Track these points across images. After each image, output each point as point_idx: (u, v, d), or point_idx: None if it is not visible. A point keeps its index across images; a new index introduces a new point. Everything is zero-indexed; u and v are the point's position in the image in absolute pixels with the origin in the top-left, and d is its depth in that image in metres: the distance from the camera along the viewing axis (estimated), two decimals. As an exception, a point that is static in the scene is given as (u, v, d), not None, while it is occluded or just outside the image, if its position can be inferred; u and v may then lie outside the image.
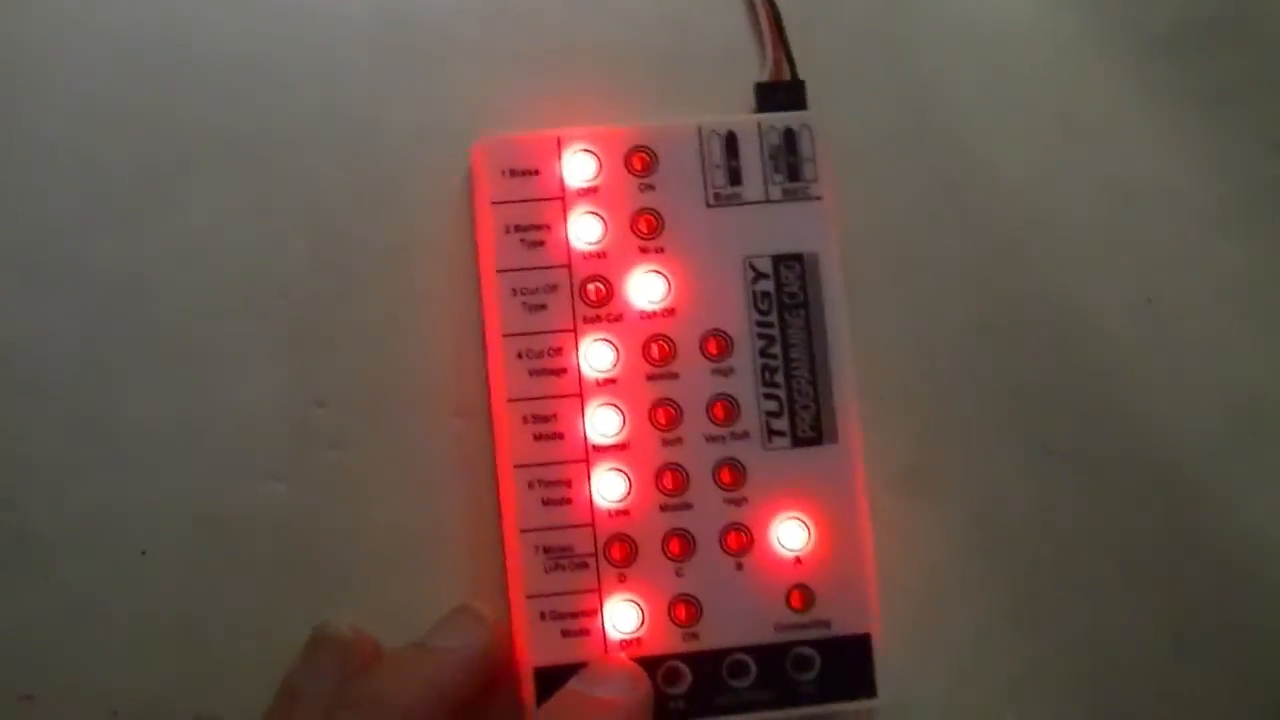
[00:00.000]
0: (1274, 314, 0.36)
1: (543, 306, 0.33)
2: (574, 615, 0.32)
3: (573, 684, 0.31)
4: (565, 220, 0.33)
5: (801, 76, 0.34)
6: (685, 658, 0.32)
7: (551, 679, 0.31)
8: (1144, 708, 0.35)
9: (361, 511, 0.33)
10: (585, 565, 0.32)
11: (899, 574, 0.33)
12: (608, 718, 0.30)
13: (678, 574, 0.32)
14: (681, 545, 0.32)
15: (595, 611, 0.32)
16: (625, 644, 0.32)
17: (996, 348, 0.35)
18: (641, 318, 0.33)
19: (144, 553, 0.33)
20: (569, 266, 0.33)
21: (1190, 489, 0.35)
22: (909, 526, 0.34)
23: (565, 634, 0.32)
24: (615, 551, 0.32)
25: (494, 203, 0.33)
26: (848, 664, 0.32)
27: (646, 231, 0.33)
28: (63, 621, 0.33)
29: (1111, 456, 0.35)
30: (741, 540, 0.32)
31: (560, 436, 0.32)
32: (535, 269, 0.33)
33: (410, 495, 0.34)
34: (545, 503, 0.32)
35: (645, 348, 0.33)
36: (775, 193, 0.33)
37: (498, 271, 0.32)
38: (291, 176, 0.34)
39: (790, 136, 0.33)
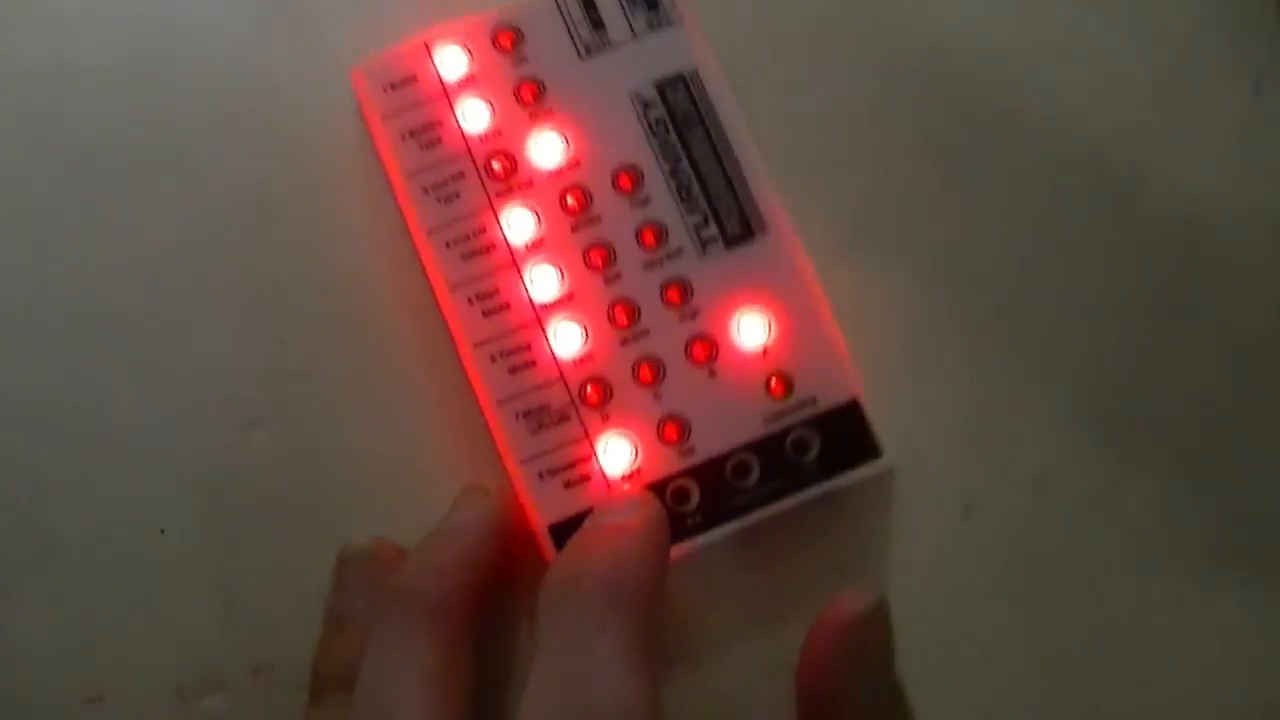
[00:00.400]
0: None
1: (456, 195, 0.34)
2: (570, 466, 0.32)
3: (587, 523, 0.31)
4: (453, 112, 0.34)
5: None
6: (687, 473, 0.32)
7: (566, 532, 0.32)
8: (1146, 394, 0.35)
9: (346, 433, 0.34)
10: (567, 417, 0.33)
11: (866, 334, 0.34)
12: (625, 540, 0.30)
13: (656, 398, 0.33)
14: (651, 371, 0.33)
15: (589, 457, 0.32)
16: (627, 478, 0.32)
17: (899, 96, 0.36)
18: (550, 177, 0.34)
19: (163, 532, 0.34)
20: (469, 153, 0.34)
21: (1119, 169, 0.35)
22: (859, 287, 0.35)
23: (568, 485, 0.32)
24: (591, 396, 0.33)
25: (385, 118, 0.34)
26: (845, 433, 0.32)
27: (531, 99, 0.34)
28: (106, 618, 0.34)
29: (1035, 161, 0.35)
30: (706, 349, 0.33)
31: (507, 306, 0.33)
32: (438, 164, 0.34)
33: (386, 403, 0.34)
34: (512, 371, 0.33)
35: (562, 202, 0.34)
36: (639, 27, 0.34)
37: (405, 177, 0.34)
38: (198, 148, 0.36)
39: (637, -28, 0.35)
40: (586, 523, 0.31)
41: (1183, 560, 0.34)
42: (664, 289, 0.33)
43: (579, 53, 0.34)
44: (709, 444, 0.32)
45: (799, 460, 0.32)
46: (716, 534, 0.32)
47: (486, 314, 0.33)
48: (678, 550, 0.32)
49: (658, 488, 0.32)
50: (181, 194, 0.36)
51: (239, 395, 0.35)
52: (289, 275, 0.35)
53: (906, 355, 0.35)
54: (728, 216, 0.33)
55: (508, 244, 0.33)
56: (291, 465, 0.34)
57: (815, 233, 0.34)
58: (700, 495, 0.32)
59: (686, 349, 0.33)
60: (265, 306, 0.35)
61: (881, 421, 0.33)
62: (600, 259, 0.33)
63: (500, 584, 0.32)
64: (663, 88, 0.34)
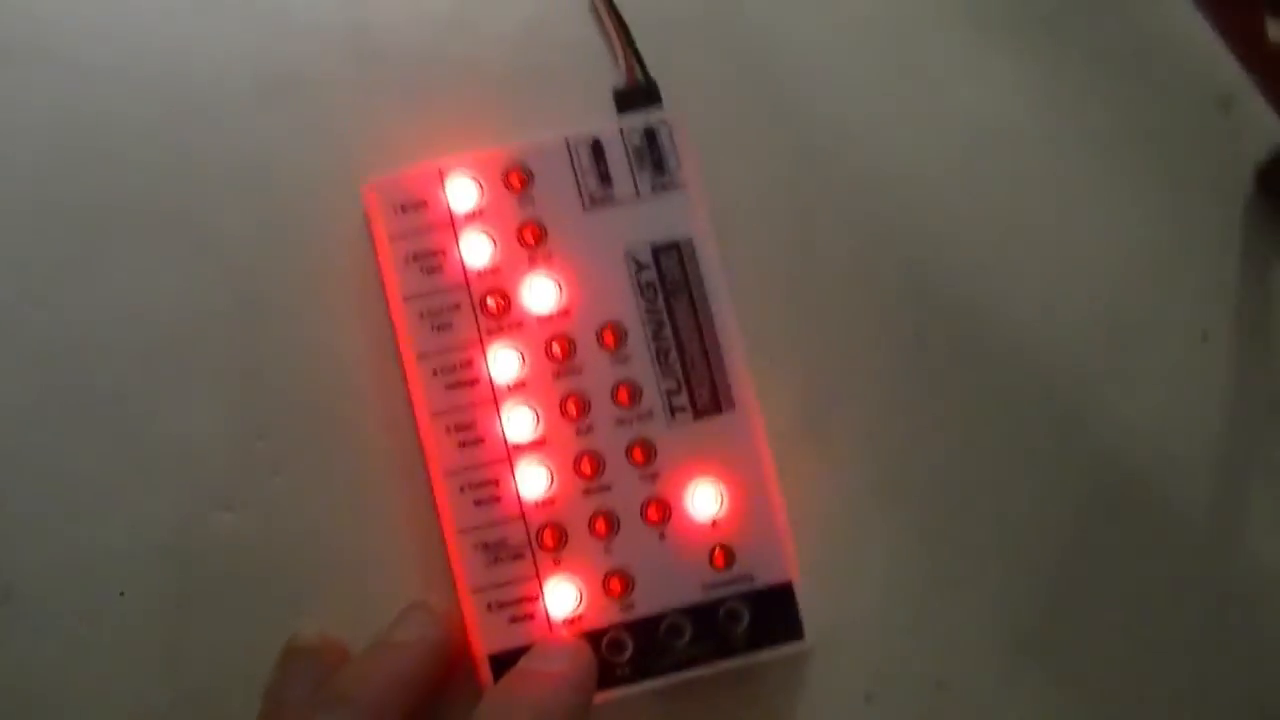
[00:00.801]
0: (1130, 235, 0.38)
1: (449, 325, 0.35)
2: (517, 602, 0.35)
3: (521, 664, 0.33)
4: (457, 243, 0.35)
5: (654, 75, 0.37)
6: (625, 626, 0.35)
7: (504, 663, 0.34)
8: (1064, 605, 0.37)
9: (311, 529, 0.36)
10: (521, 555, 0.35)
11: (808, 517, 0.36)
12: (553, 688, 0.32)
13: (607, 551, 0.35)
14: (606, 524, 0.35)
15: (536, 596, 0.35)
16: (568, 622, 0.35)
17: (869, 296, 0.38)
18: (540, 322, 0.35)
19: (122, 594, 0.36)
20: (467, 285, 0.35)
21: (1066, 389, 0.38)
22: (809, 471, 0.37)
23: (513, 620, 0.35)
24: (547, 539, 0.35)
25: (391, 238, 0.35)
26: (774, 612, 0.35)
27: (533, 242, 0.35)
28: (52, 670, 0.36)
29: (987, 386, 0.38)
30: (661, 512, 0.35)
31: (481, 440, 0.35)
32: (437, 292, 0.35)
33: (353, 508, 0.36)
34: (477, 503, 0.35)
35: (548, 348, 0.35)
36: (645, 188, 0.36)
37: (404, 299, 0.35)
38: (207, 231, 0.37)
39: (650, 134, 0.36)
40: (521, 663, 0.33)
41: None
42: (630, 448, 0.35)
43: (584, 203, 0.36)
44: (649, 601, 0.35)
45: (729, 630, 0.35)
46: (643, 687, 0.35)
47: (462, 445, 0.35)
48: (604, 696, 0.34)
49: (596, 635, 0.35)
50: (185, 269, 0.37)
51: (212, 475, 0.37)
52: (277, 368, 0.37)
53: (838, 543, 0.37)
54: (699, 388, 0.35)
55: (491, 381, 0.35)
56: (253, 550, 0.36)
57: (780, 410, 0.36)
58: (634, 649, 0.35)
59: (642, 508, 0.35)
60: (251, 394, 0.37)
61: (805, 601, 0.35)
62: (576, 409, 0.35)
63: (434, 701, 0.34)
64: (658, 252, 0.36)
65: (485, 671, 0.34)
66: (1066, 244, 0.38)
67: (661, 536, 0.35)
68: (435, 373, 0.35)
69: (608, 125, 0.36)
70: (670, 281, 0.35)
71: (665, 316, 0.35)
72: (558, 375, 0.35)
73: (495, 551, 0.35)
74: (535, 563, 0.35)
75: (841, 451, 0.37)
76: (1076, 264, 0.38)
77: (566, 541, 0.35)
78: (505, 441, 0.35)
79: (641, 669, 0.35)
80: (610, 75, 0.38)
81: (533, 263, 0.35)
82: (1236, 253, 0.38)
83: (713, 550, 0.35)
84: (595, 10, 0.38)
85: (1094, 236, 0.38)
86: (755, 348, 0.36)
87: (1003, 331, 0.38)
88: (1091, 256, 0.38)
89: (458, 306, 0.35)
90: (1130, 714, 0.37)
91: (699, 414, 0.35)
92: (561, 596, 0.35)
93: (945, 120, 0.38)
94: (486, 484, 0.35)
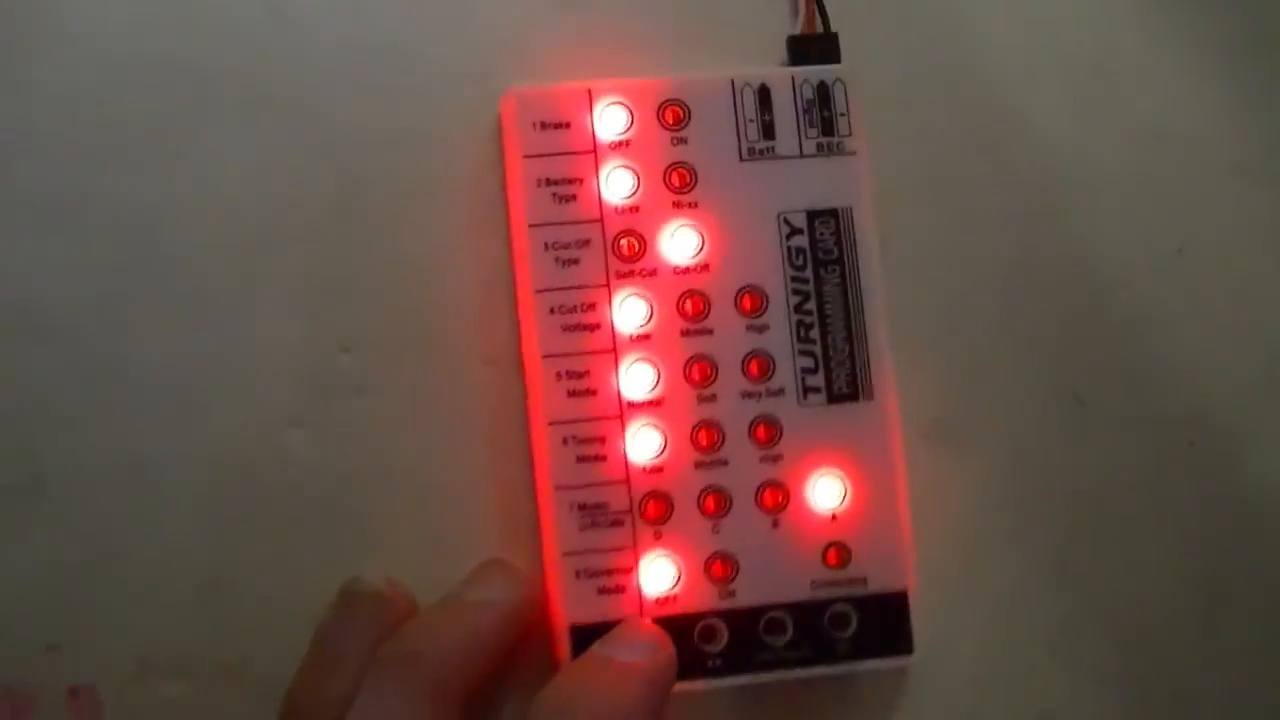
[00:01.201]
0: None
1: (575, 261, 0.32)
2: (609, 573, 0.32)
3: (596, 648, 0.31)
4: (597, 174, 0.32)
5: (834, 29, 0.34)
6: (722, 615, 0.32)
7: (587, 636, 0.31)
8: (1178, 666, 0.35)
9: (386, 459, 0.33)
10: (620, 523, 0.32)
11: (931, 527, 0.34)
12: (628, 681, 0.29)
13: (714, 531, 0.32)
14: (717, 503, 0.32)
15: (631, 569, 0.32)
16: (661, 601, 0.32)
17: (1027, 298, 0.35)
18: (675, 273, 0.32)
19: (167, 500, 0.32)
20: (601, 221, 0.32)
21: (1221, 442, 0.35)
22: (940, 479, 0.34)
23: (601, 592, 0.32)
24: (650, 509, 0.32)
25: (525, 156, 0.32)
26: (884, 621, 0.32)
27: (679, 186, 0.33)
28: (86, 571, 0.32)
29: (1142, 408, 0.35)
30: (777, 498, 0.32)
31: (594, 393, 0.32)
32: (567, 224, 0.32)
33: (436, 443, 0.33)
34: (580, 459, 0.32)
35: (679, 304, 0.32)
36: (809, 147, 0.33)
37: (530, 225, 0.32)
38: (315, 117, 0.33)
39: (824, 90, 0.33)
40: (595, 648, 0.31)
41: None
42: (755, 424, 0.32)
43: (741, 153, 0.33)
44: (752, 592, 0.32)
45: (833, 634, 0.32)
46: (732, 681, 0.32)
47: (572, 394, 0.32)
48: (688, 685, 0.32)
49: (690, 620, 0.32)
50: (288, 153, 0.33)
51: (287, 387, 0.33)
52: (374, 277, 0.33)
53: (957, 558, 0.34)
54: (838, 370, 0.33)
55: (614, 329, 0.32)
56: (319, 474, 0.33)
57: (918, 406, 0.34)
58: (728, 640, 0.32)
59: (758, 492, 0.32)
60: (343, 303, 0.33)
61: (917, 614, 0.32)
62: (700, 374, 0.32)
63: (503, 668, 0.31)
64: (813, 217, 0.33)
65: (564, 644, 0.31)
66: (1242, 272, 0.36)
67: (775, 524, 0.32)
68: (553, 310, 0.32)
69: (779, 72, 0.33)
70: (822, 251, 0.33)
71: (812, 288, 0.33)
72: (686, 334, 0.32)
73: (593, 515, 0.32)
74: (634, 533, 0.32)
75: (977, 462, 0.35)
76: (1250, 293, 0.36)
77: (671, 514, 0.32)
78: (620, 397, 0.32)
79: (733, 663, 0.32)
80: (786, 21, 0.35)
81: (677, 208, 0.33)
82: None
83: (828, 547, 0.32)
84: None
85: (1272, 264, 0.36)
86: (900, 337, 0.33)
87: (1172, 354, 0.36)
88: (1266, 285, 0.36)
89: (588, 242, 0.32)
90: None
91: (834, 399, 0.33)
92: (658, 573, 0.32)
93: (1130, 125, 0.36)
94: (593, 440, 0.32)
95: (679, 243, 0.32)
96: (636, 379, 0.32)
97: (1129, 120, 0.36)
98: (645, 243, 0.32)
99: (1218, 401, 0.36)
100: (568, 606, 0.32)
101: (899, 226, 0.34)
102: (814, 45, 0.34)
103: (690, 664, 0.31)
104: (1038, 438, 0.35)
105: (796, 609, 0.32)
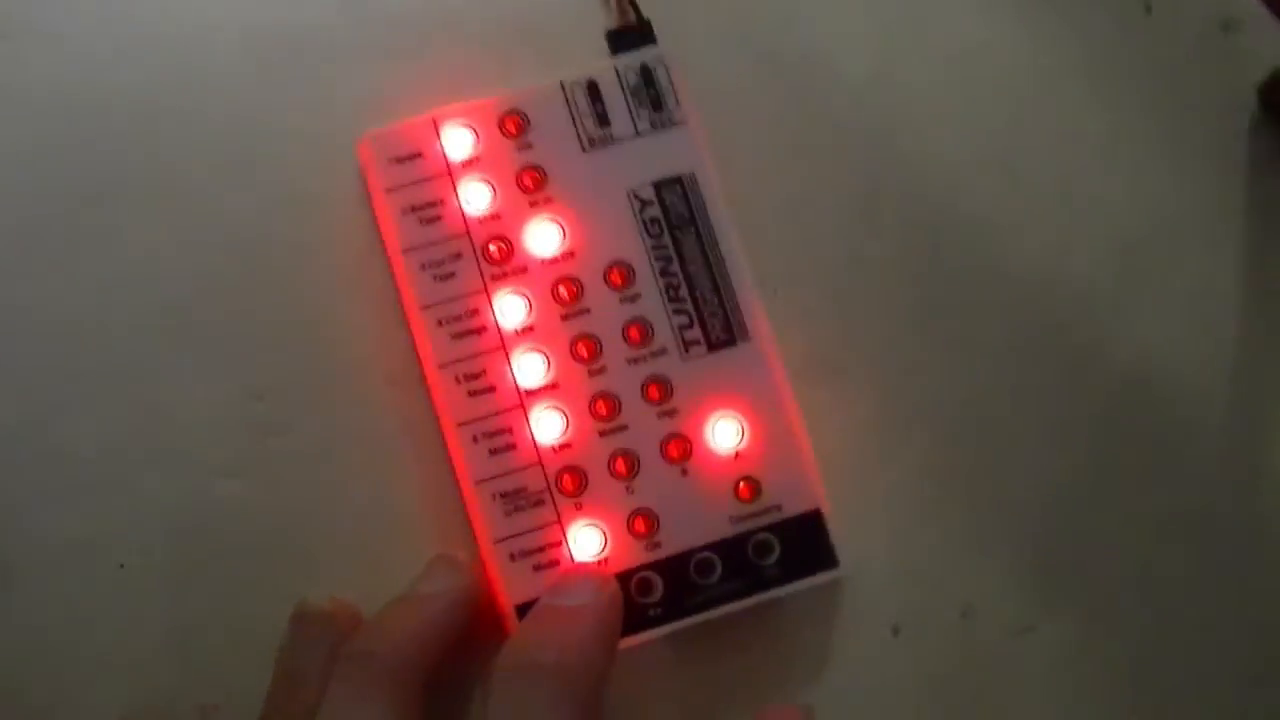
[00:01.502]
0: (1135, 162, 0.38)
1: (451, 275, 0.35)
2: (541, 550, 0.34)
3: (542, 600, 0.32)
4: (456, 193, 0.35)
5: (647, 16, 0.37)
6: (653, 566, 0.34)
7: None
8: (1085, 544, 0.36)
9: (319, 490, 0.35)
10: (542, 502, 0.34)
11: (830, 451, 0.35)
12: (577, 623, 0.31)
13: (629, 491, 0.34)
14: (627, 464, 0.34)
15: (560, 542, 0.34)
16: (596, 565, 0.34)
17: (874, 223, 0.37)
18: (544, 265, 0.35)
19: (122, 566, 0.35)
20: (468, 234, 0.35)
21: (1079, 314, 0.37)
22: (829, 406, 0.36)
23: (536, 568, 0.34)
24: (567, 483, 0.34)
25: (387, 190, 0.35)
26: (805, 541, 0.34)
27: (532, 186, 0.35)
28: (55, 643, 0.34)
29: (996, 309, 0.37)
30: (681, 448, 0.34)
31: (493, 389, 0.34)
32: (437, 243, 0.35)
33: (361, 466, 0.35)
34: (493, 452, 0.34)
35: (554, 292, 0.35)
36: (643, 126, 0.35)
37: (404, 251, 0.35)
38: (202, 195, 0.36)
39: (646, 73, 0.36)
40: (541, 601, 0.32)
41: (1099, 700, 0.36)
42: (645, 386, 0.34)
43: (582, 145, 0.35)
44: (676, 540, 0.34)
45: (760, 563, 0.34)
46: (675, 627, 0.34)
47: (472, 394, 0.34)
48: (637, 639, 0.33)
49: (624, 578, 0.34)
50: (179, 233, 0.36)
51: (215, 443, 0.35)
52: (276, 328, 0.36)
53: (859, 475, 0.36)
54: (712, 320, 0.35)
55: (498, 328, 0.34)
56: (258, 517, 0.35)
57: (793, 344, 0.36)
58: (664, 589, 0.34)
59: (662, 446, 0.34)
60: (250, 356, 0.36)
61: (835, 530, 0.34)
62: (587, 351, 0.34)
63: (460, 655, 0.33)
64: (660, 188, 0.35)
65: (513, 623, 0.33)
66: (1072, 171, 0.38)
67: (684, 473, 0.34)
68: (440, 323, 0.34)
69: (603, 65, 0.36)
70: (675, 216, 0.35)
71: (672, 252, 0.35)
72: (566, 318, 0.35)
73: (514, 500, 0.34)
74: (556, 508, 0.34)
75: (858, 382, 0.37)
76: (1083, 191, 0.38)
77: (587, 485, 0.34)
78: (517, 388, 0.34)
79: (673, 609, 0.34)
80: (602, 19, 0.37)
81: (534, 207, 0.35)
82: (1243, 173, 0.38)
83: (737, 483, 0.34)
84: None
85: (1100, 162, 0.38)
86: (764, 282, 0.35)
87: (1016, 256, 0.37)
88: (1097, 183, 0.38)
89: (459, 255, 0.35)
90: (1159, 641, 0.36)
91: (713, 347, 0.35)
92: (585, 540, 0.34)
93: (938, 47, 0.38)
94: (500, 432, 0.34)
95: (542, 237, 0.35)
96: (529, 368, 0.34)
97: (934, 42, 0.38)
98: (512, 244, 0.35)
99: (1064, 293, 0.37)
100: (508, 588, 0.33)
101: (743, 183, 0.36)
102: (630, 34, 0.37)
103: (633, 618, 0.33)
104: (910, 355, 0.37)
105: (721, 546, 0.34)
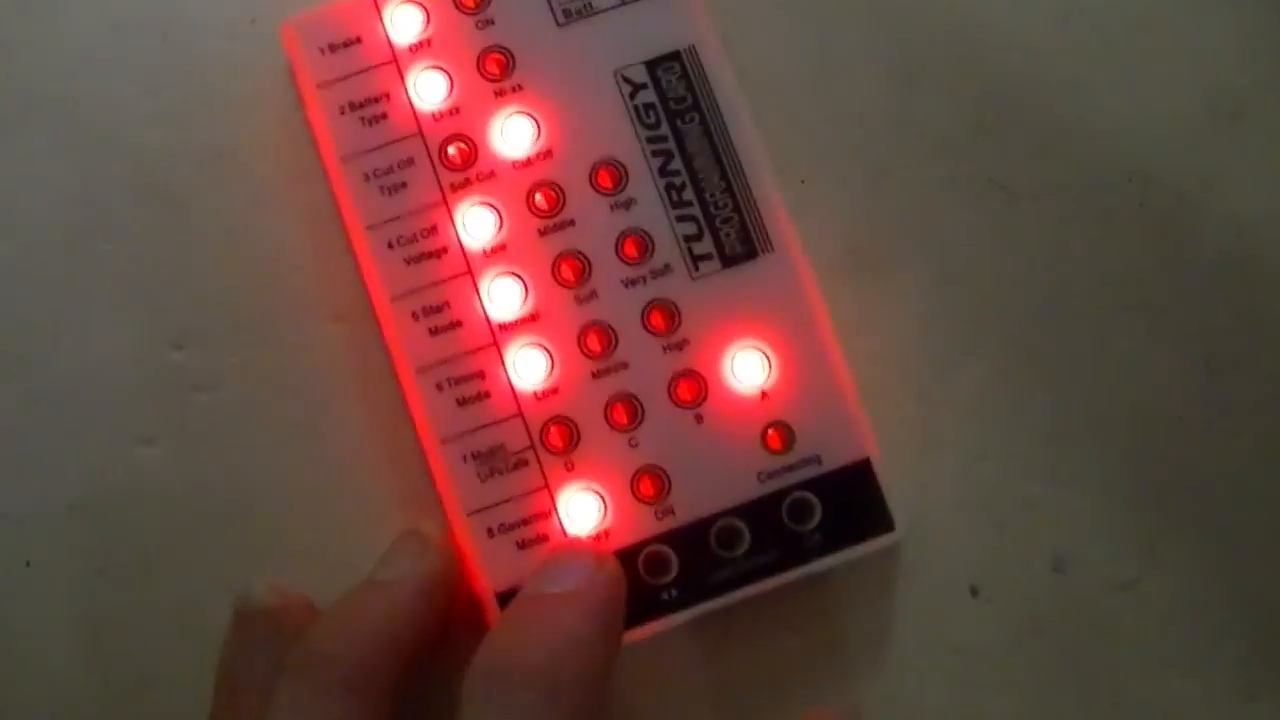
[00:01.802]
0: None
1: (402, 185, 0.28)
2: (525, 523, 0.28)
3: (525, 590, 0.27)
4: (403, 84, 0.29)
5: None
6: (664, 538, 0.28)
7: (515, 600, 0.27)
8: (1189, 456, 0.30)
9: (255, 457, 0.30)
10: (524, 462, 0.28)
11: (874, 374, 0.29)
12: (567, 615, 0.25)
13: (631, 445, 0.28)
14: (627, 411, 0.28)
15: (548, 513, 0.28)
16: (592, 540, 0.27)
17: (914, 94, 0.31)
18: (516, 168, 0.29)
19: (28, 564, 0.29)
20: (420, 134, 0.29)
21: (1168, 194, 0.30)
22: (870, 314, 0.30)
23: (521, 546, 0.28)
24: (554, 438, 0.28)
25: (319, 85, 0.29)
26: (852, 499, 0.28)
27: (498, 73, 0.29)
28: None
29: (1074, 179, 0.30)
30: (694, 388, 0.28)
31: (459, 324, 0.28)
32: (383, 146, 0.29)
33: (302, 424, 0.30)
34: (461, 403, 0.28)
35: (529, 200, 0.28)
36: (630, -10, 0.29)
37: (342, 159, 0.29)
38: (86, 107, 0.30)
39: (631, -77, 0.29)
40: (526, 588, 0.27)
41: (1210, 659, 0.30)
42: (647, 312, 0.28)
43: (556, 19, 0.29)
44: (692, 504, 0.28)
45: (797, 529, 0.28)
46: (695, 612, 0.27)
47: (433, 332, 0.28)
48: (647, 629, 0.27)
49: (629, 554, 0.28)
50: (64, 153, 0.30)
51: (125, 403, 0.30)
52: (190, 264, 0.30)
53: (913, 408, 0.30)
54: (726, 229, 0.28)
55: (463, 248, 0.28)
56: (184, 490, 0.30)
57: (823, 249, 0.29)
58: (679, 566, 0.28)
59: (670, 387, 0.28)
60: (160, 300, 0.30)
61: (887, 481, 0.28)
62: (572, 272, 0.28)
63: (432, 651, 0.27)
64: (654, 67, 0.29)
65: (494, 613, 0.27)
66: (1155, 15, 0.31)
67: (698, 419, 0.28)
68: (391, 245, 0.28)
69: (575, -84, 0.29)
70: (673, 100, 0.29)
71: (673, 145, 0.28)
72: (545, 232, 0.28)
73: (490, 462, 0.28)
74: (543, 470, 0.28)
75: (907, 287, 0.30)
76: (1168, 39, 0.31)
77: (579, 439, 0.28)
78: (488, 322, 0.28)
79: (691, 591, 0.28)
80: None
81: (500, 97, 0.29)
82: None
83: (765, 430, 0.28)
84: None
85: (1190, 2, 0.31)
86: (786, 173, 0.29)
87: (1088, 122, 0.30)
88: (1188, 29, 0.31)
89: (411, 161, 0.29)
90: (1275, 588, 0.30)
91: (728, 261, 0.28)
92: (580, 509, 0.28)
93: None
94: (470, 377, 0.28)
95: (512, 134, 0.29)
96: (502, 296, 0.28)
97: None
98: (475, 144, 0.29)
99: (1156, 152, 0.31)
100: (488, 571, 0.28)
101: (755, 54, 0.30)
102: (609, -122, 0.30)
103: (642, 604, 0.27)
104: (966, 239, 0.30)
105: (748, 510, 0.28)
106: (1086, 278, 0.30)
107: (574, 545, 0.27)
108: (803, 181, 0.30)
